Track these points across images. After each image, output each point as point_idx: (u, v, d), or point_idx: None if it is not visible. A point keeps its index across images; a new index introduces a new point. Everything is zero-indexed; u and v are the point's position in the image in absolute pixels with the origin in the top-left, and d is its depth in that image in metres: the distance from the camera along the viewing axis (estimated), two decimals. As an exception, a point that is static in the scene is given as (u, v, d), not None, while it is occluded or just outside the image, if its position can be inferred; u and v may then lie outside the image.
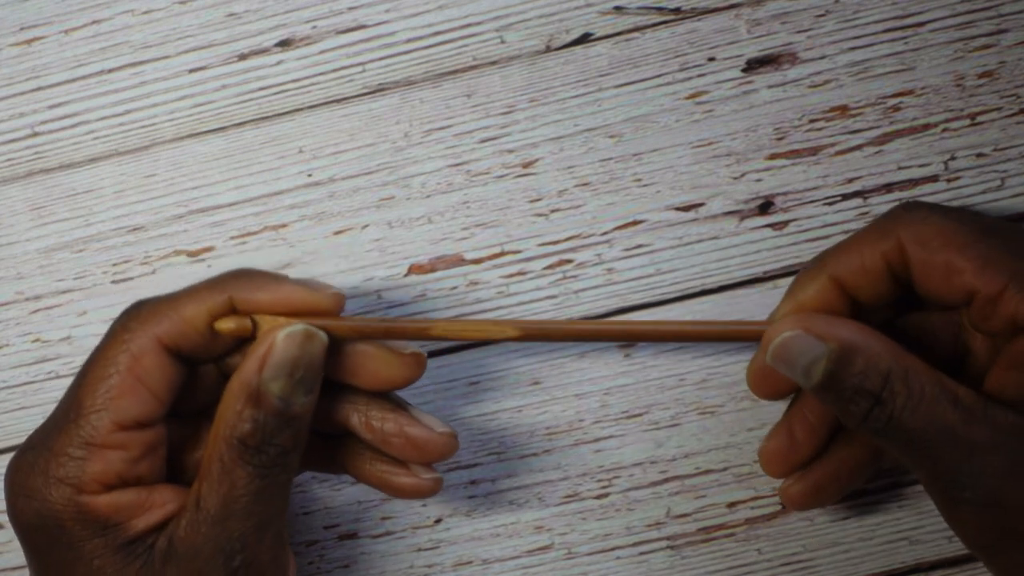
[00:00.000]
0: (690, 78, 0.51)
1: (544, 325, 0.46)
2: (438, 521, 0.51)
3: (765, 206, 0.50)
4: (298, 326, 0.44)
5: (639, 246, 0.51)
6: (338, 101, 0.52)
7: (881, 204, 0.50)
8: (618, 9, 0.51)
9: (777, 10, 0.50)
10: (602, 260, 0.51)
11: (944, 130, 0.50)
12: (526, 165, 0.51)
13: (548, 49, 0.51)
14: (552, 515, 0.51)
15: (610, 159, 0.51)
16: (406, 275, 0.51)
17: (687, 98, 0.51)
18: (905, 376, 0.42)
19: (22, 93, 0.52)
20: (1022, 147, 0.50)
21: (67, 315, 0.52)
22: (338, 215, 0.51)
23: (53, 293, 0.52)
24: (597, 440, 0.51)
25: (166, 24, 0.52)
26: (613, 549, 0.50)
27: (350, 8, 0.52)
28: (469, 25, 0.51)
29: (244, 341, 0.45)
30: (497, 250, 0.51)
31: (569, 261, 0.51)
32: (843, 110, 0.50)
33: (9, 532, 0.52)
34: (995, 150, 0.50)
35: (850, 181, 0.50)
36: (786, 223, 0.50)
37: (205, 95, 0.52)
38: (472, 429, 0.51)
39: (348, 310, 0.50)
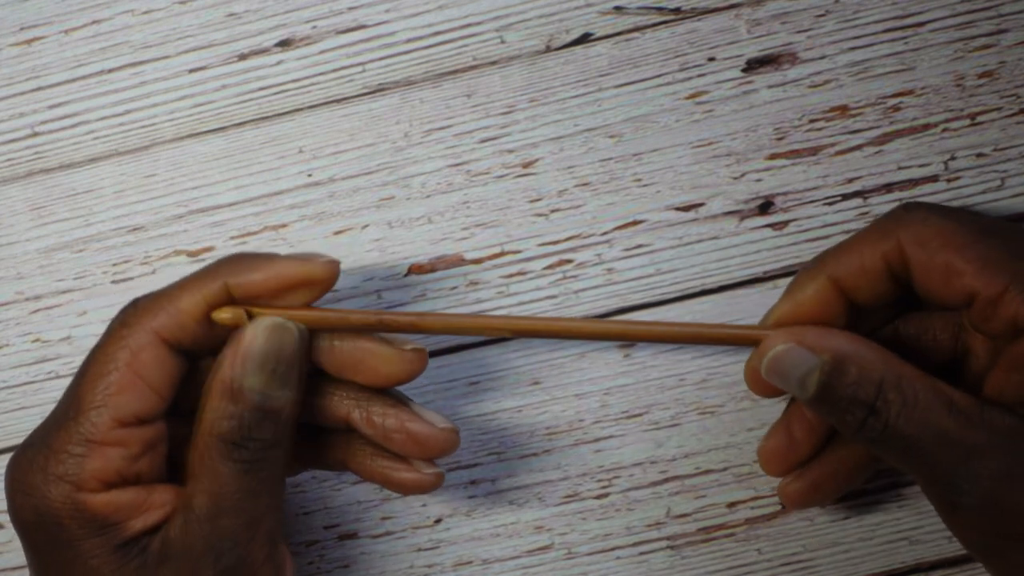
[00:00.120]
0: (690, 78, 0.51)
1: (534, 322, 0.46)
2: (438, 521, 0.51)
3: (765, 206, 0.50)
4: (270, 318, 0.44)
5: (639, 246, 0.51)
6: (338, 101, 0.52)
7: (881, 204, 0.50)
8: (618, 9, 0.51)
9: (777, 10, 0.50)
10: (602, 260, 0.51)
11: (944, 130, 0.50)
12: (526, 165, 0.51)
13: (548, 49, 0.51)
14: (552, 515, 0.51)
15: (610, 159, 0.51)
16: (406, 275, 0.51)
17: (687, 98, 0.51)
18: (898, 384, 0.42)
19: (22, 93, 0.52)
20: (1022, 147, 0.50)
21: (67, 315, 0.52)
22: (338, 215, 0.51)
23: (53, 293, 0.52)
24: (597, 440, 0.51)
25: (166, 24, 0.52)
26: (613, 549, 0.50)
27: (350, 8, 0.52)
28: (469, 25, 0.51)
29: None
30: (497, 250, 0.51)
31: (569, 261, 0.51)
32: (843, 110, 0.50)
33: (9, 532, 0.52)
34: (995, 150, 0.50)
35: (850, 181, 0.50)
36: (786, 223, 0.50)
37: (205, 95, 0.52)
38: (472, 429, 0.51)
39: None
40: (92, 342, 0.46)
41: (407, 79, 0.52)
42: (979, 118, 0.50)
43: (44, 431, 0.44)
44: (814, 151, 0.50)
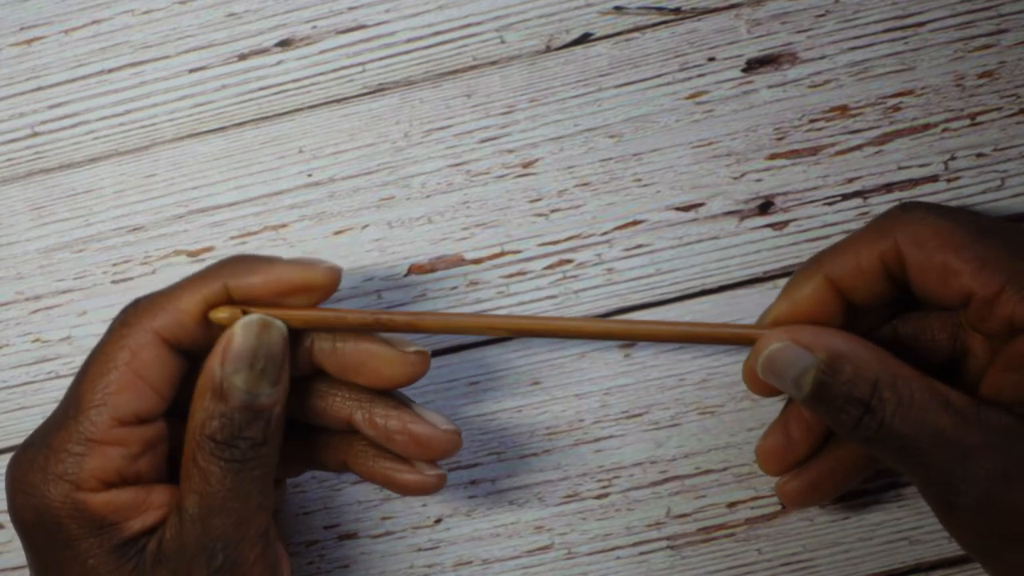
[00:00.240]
0: (690, 78, 0.51)
1: (532, 321, 0.46)
2: (438, 521, 0.51)
3: (765, 206, 0.50)
4: (254, 316, 0.44)
5: (639, 246, 0.51)
6: (338, 101, 0.52)
7: (881, 204, 0.50)
8: (618, 9, 0.51)
9: (777, 10, 0.50)
10: (602, 260, 0.51)
11: (944, 130, 0.50)
12: (526, 165, 0.51)
13: (548, 49, 0.51)
14: (552, 515, 0.51)
15: (610, 159, 0.51)
16: (406, 275, 0.51)
17: (687, 98, 0.51)
18: (894, 383, 0.42)
19: (22, 93, 0.52)
20: (1022, 147, 0.50)
21: (67, 315, 0.52)
22: (338, 215, 0.51)
23: (53, 293, 0.52)
24: (597, 440, 0.51)
25: (166, 24, 0.52)
26: (613, 549, 0.50)
27: (350, 8, 0.52)
28: (469, 25, 0.51)
29: None
30: (497, 250, 0.51)
31: (569, 261, 0.51)
32: (843, 110, 0.50)
33: (9, 532, 0.52)
34: (995, 150, 0.50)
35: (850, 181, 0.50)
36: (786, 223, 0.50)
37: (205, 95, 0.52)
38: (472, 429, 0.51)
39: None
40: (92, 342, 0.46)
41: (407, 79, 0.52)
42: (979, 118, 0.50)
43: (44, 430, 0.44)
44: (814, 151, 0.50)
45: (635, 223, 0.51)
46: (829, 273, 0.45)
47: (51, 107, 0.52)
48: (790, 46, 0.50)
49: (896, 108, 0.50)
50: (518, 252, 0.51)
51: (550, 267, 0.51)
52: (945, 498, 0.42)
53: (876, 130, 0.50)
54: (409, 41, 0.52)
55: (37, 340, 0.52)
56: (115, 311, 0.46)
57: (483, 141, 0.51)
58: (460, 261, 0.51)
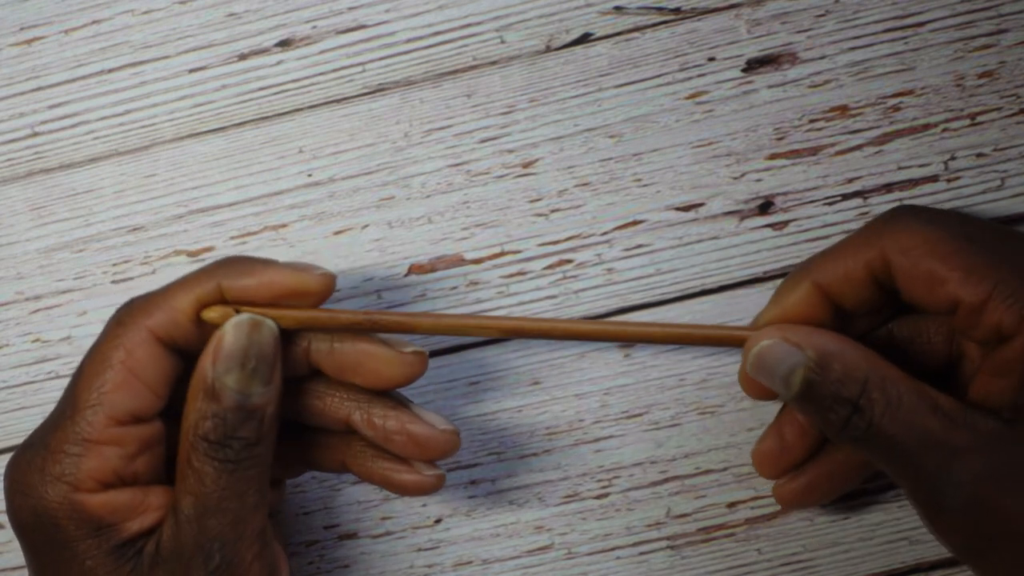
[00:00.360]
0: (690, 78, 0.51)
1: (524, 322, 0.46)
2: (438, 521, 0.51)
3: (765, 206, 0.50)
4: (245, 316, 0.44)
5: (639, 246, 0.51)
6: (338, 101, 0.52)
7: (881, 204, 0.50)
8: (618, 9, 0.51)
9: (777, 10, 0.50)
10: (602, 260, 0.51)
11: (944, 130, 0.50)
12: (526, 165, 0.51)
13: (548, 49, 0.51)
14: (552, 515, 0.51)
15: (610, 159, 0.51)
16: (406, 275, 0.51)
17: (687, 98, 0.51)
18: (883, 384, 0.42)
19: (22, 93, 0.52)
20: (1022, 147, 0.50)
21: (67, 315, 0.52)
22: (338, 215, 0.51)
23: (53, 293, 0.52)
24: (597, 440, 0.51)
25: (166, 24, 0.52)
26: (613, 549, 0.50)
27: (350, 8, 0.52)
28: (469, 25, 0.51)
29: None
30: (497, 250, 0.51)
31: (569, 261, 0.51)
32: (843, 110, 0.50)
33: (9, 532, 0.52)
34: (995, 150, 0.50)
35: (850, 181, 0.50)
36: (786, 223, 0.50)
37: (205, 95, 0.52)
38: (472, 429, 0.51)
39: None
40: (92, 342, 0.46)
41: (407, 79, 0.52)
42: (979, 118, 0.50)
43: (42, 431, 0.44)
44: (814, 151, 0.50)
45: (635, 223, 0.51)
46: (817, 279, 0.45)
47: (51, 107, 0.52)
48: (790, 46, 0.50)
49: (896, 108, 0.50)
50: (518, 252, 0.51)
51: (550, 267, 0.51)
52: (932, 501, 0.42)
53: (876, 130, 0.50)
54: (409, 41, 0.52)
55: (37, 340, 0.52)
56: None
57: (483, 141, 0.51)
58: (460, 261, 0.51)
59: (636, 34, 0.51)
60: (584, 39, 0.51)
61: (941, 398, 0.42)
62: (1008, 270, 0.42)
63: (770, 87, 0.50)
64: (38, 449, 0.44)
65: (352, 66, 0.52)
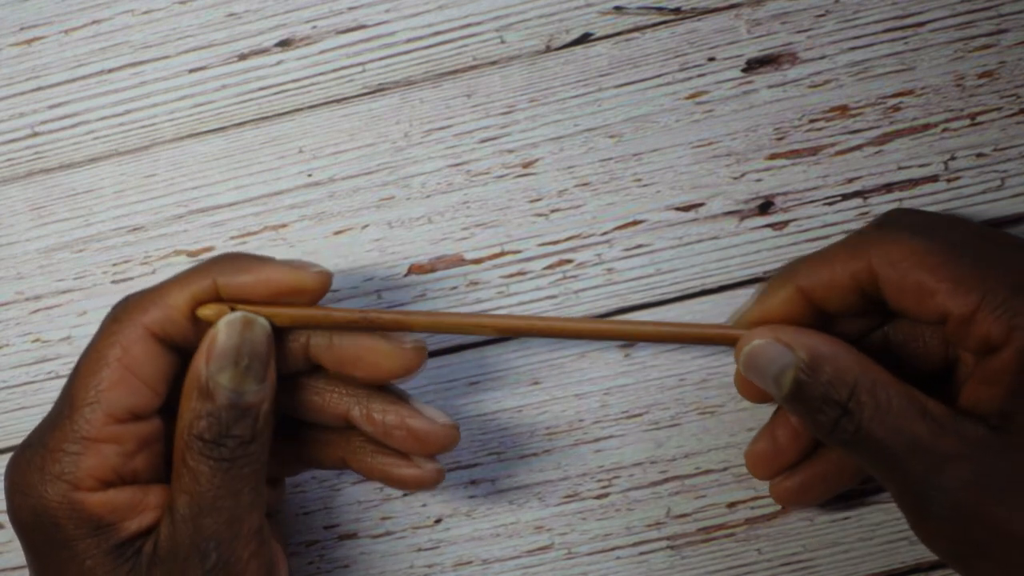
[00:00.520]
0: (690, 78, 0.51)
1: (520, 321, 0.46)
2: (438, 521, 0.51)
3: (765, 206, 0.50)
4: (238, 314, 0.44)
5: (639, 246, 0.51)
6: (338, 101, 0.52)
7: (881, 204, 0.50)
8: (618, 9, 0.51)
9: (777, 10, 0.50)
10: (602, 260, 0.51)
11: (944, 130, 0.50)
12: (526, 165, 0.51)
13: (548, 49, 0.51)
14: (552, 515, 0.51)
15: (610, 159, 0.51)
16: (406, 275, 0.51)
17: (687, 98, 0.51)
18: (872, 387, 0.42)
19: (22, 93, 0.52)
20: (1022, 147, 0.50)
21: (67, 315, 0.52)
22: (338, 215, 0.51)
23: (53, 293, 0.52)
24: (597, 440, 0.51)
25: (166, 24, 0.52)
26: (613, 549, 0.50)
27: (350, 8, 0.52)
28: (469, 25, 0.51)
29: None
30: (497, 250, 0.51)
31: (569, 261, 0.51)
32: (843, 110, 0.50)
33: (9, 532, 0.52)
34: (995, 150, 0.50)
35: (850, 181, 0.50)
36: (786, 223, 0.50)
37: (205, 95, 0.52)
38: (472, 429, 0.51)
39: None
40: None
41: (407, 79, 0.52)
42: (979, 118, 0.50)
43: (40, 431, 0.44)
44: (814, 151, 0.50)
45: (635, 223, 0.51)
46: (802, 284, 0.45)
47: (51, 107, 0.52)
48: (790, 46, 0.50)
49: (896, 108, 0.50)
50: (518, 252, 0.51)
51: (550, 267, 0.51)
52: (919, 506, 0.42)
53: (876, 130, 0.50)
54: (409, 41, 0.52)
55: (37, 340, 0.52)
56: (115, 311, 0.46)
57: (483, 141, 0.51)
58: (460, 261, 0.51)
59: (636, 34, 0.51)
60: (584, 39, 0.51)
61: (930, 403, 0.42)
62: (996, 280, 0.42)
63: (770, 87, 0.50)
64: (37, 449, 0.44)
65: (352, 66, 0.52)
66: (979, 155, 0.50)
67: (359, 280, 0.51)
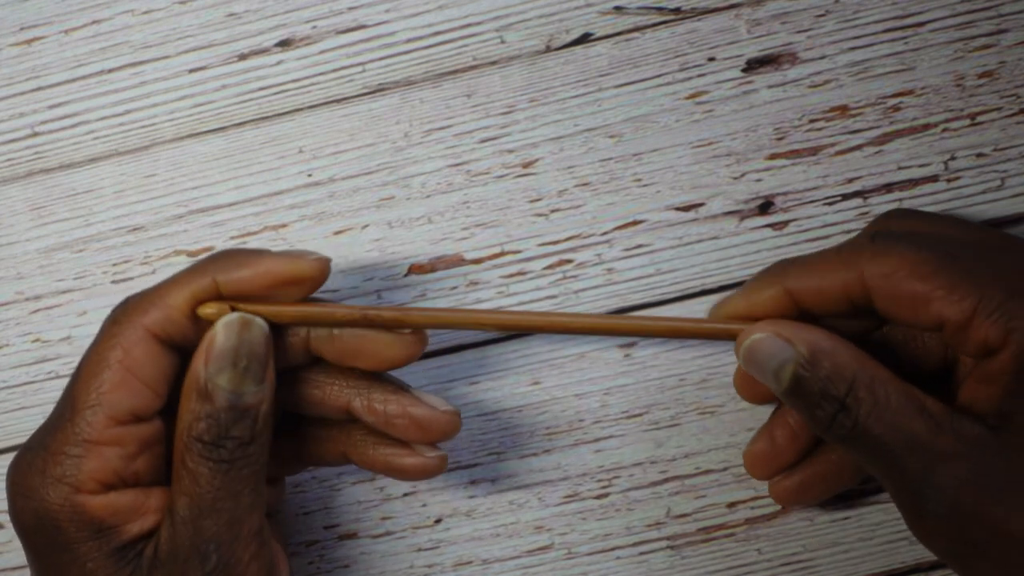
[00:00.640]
0: (690, 78, 0.51)
1: (518, 316, 0.46)
2: (438, 521, 0.51)
3: (765, 206, 0.50)
4: (234, 315, 0.44)
5: (639, 246, 0.51)
6: (338, 101, 0.52)
7: (881, 204, 0.50)
8: (618, 9, 0.51)
9: (777, 10, 0.50)
10: (602, 260, 0.51)
11: (944, 130, 0.50)
12: (526, 165, 0.51)
13: (548, 49, 0.51)
14: (552, 515, 0.51)
15: (610, 159, 0.51)
16: (406, 275, 0.51)
17: (687, 98, 0.51)
18: (871, 383, 0.42)
19: (22, 93, 0.52)
20: (1022, 147, 0.50)
21: (67, 315, 0.52)
22: (338, 215, 0.51)
23: (53, 293, 0.52)
24: (597, 440, 0.51)
25: (166, 24, 0.52)
26: (613, 549, 0.50)
27: (350, 8, 0.52)
28: (469, 25, 0.51)
29: None
30: (497, 250, 0.51)
31: (569, 261, 0.51)
32: (843, 110, 0.50)
33: (9, 532, 0.52)
34: (995, 150, 0.50)
35: (850, 181, 0.50)
36: (786, 223, 0.50)
37: (205, 95, 0.52)
38: (472, 429, 0.51)
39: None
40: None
41: (407, 79, 0.52)
42: (979, 118, 0.50)
43: (42, 433, 0.44)
44: (814, 151, 0.50)
45: (635, 223, 0.51)
46: (791, 287, 0.45)
47: (51, 107, 0.52)
48: (790, 46, 0.50)
49: (896, 108, 0.50)
50: (518, 252, 0.51)
51: (550, 267, 0.51)
52: (916, 504, 0.42)
53: (876, 130, 0.50)
54: (409, 41, 0.52)
55: (37, 340, 0.52)
56: (115, 311, 0.46)
57: (483, 141, 0.51)
58: (460, 261, 0.51)
59: (636, 34, 0.51)
60: (584, 39, 0.51)
61: (929, 401, 0.42)
62: (990, 285, 0.42)
63: (770, 87, 0.50)
64: (38, 451, 0.44)
65: (352, 66, 0.52)
66: (979, 155, 0.50)
67: (359, 280, 0.51)
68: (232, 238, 0.52)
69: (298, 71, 0.52)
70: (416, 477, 0.47)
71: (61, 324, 0.52)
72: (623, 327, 0.46)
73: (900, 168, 0.50)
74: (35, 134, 0.52)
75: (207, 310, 0.44)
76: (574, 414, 0.51)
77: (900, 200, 0.50)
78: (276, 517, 0.50)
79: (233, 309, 0.45)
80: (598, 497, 0.51)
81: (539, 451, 0.51)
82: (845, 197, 0.50)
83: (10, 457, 0.51)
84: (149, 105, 0.52)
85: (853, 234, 0.49)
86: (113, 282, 0.52)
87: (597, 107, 0.51)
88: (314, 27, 0.52)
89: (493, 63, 0.51)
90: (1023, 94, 0.50)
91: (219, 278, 0.44)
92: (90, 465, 0.43)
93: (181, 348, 0.45)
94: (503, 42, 0.51)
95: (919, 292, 0.43)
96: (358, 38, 0.52)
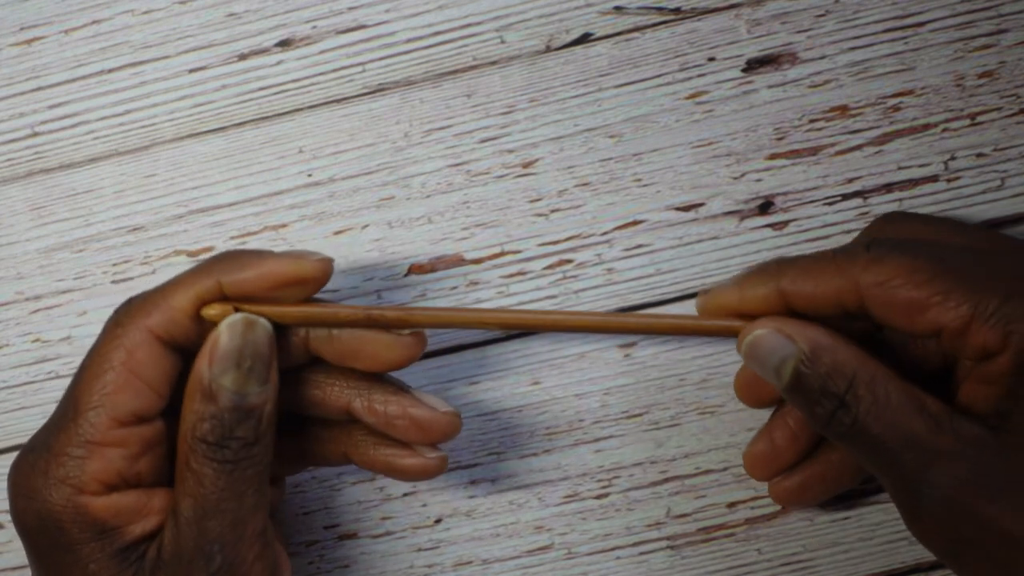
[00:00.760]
0: (690, 78, 0.51)
1: (521, 315, 0.46)
2: (438, 521, 0.51)
3: (765, 206, 0.50)
4: (237, 316, 0.44)
5: (639, 246, 0.51)
6: (338, 101, 0.52)
7: (881, 204, 0.50)
8: (618, 9, 0.51)
9: (777, 10, 0.50)
10: (602, 260, 0.51)
11: (944, 130, 0.50)
12: (526, 165, 0.51)
13: (548, 49, 0.51)
14: (552, 515, 0.51)
15: (610, 159, 0.51)
16: (406, 275, 0.51)
17: (687, 98, 0.51)
18: (871, 381, 0.42)
19: (22, 93, 0.52)
20: (1022, 147, 0.50)
21: (67, 315, 0.52)
22: (338, 215, 0.51)
23: (53, 293, 0.52)
24: (597, 440, 0.51)
25: (166, 24, 0.52)
26: (613, 549, 0.50)
27: (350, 8, 0.52)
28: (469, 25, 0.51)
29: None
30: (497, 250, 0.51)
31: (569, 261, 0.51)
32: (843, 110, 0.50)
33: (9, 532, 0.52)
34: (995, 150, 0.50)
35: (850, 181, 0.50)
36: (786, 223, 0.50)
37: (205, 95, 0.52)
38: (472, 429, 0.51)
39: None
40: (92, 342, 0.46)
41: (407, 79, 0.52)
42: (979, 118, 0.50)
43: (44, 434, 0.44)
44: (814, 151, 0.50)
45: (635, 223, 0.51)
46: (785, 288, 0.45)
47: (51, 107, 0.52)
48: (790, 46, 0.50)
49: (896, 108, 0.50)
50: (518, 252, 0.51)
51: (550, 267, 0.51)
52: (913, 503, 0.42)
53: (876, 130, 0.50)
54: (409, 41, 0.52)
55: (37, 340, 0.52)
56: (115, 312, 0.46)
57: (483, 141, 0.51)
58: (460, 261, 0.51)
59: (636, 34, 0.51)
60: (584, 39, 0.51)
61: (929, 400, 0.42)
62: (987, 289, 0.42)
63: (770, 87, 0.50)
64: (41, 452, 0.44)
65: (352, 66, 0.52)
66: (979, 155, 0.50)
67: (359, 280, 0.51)
68: (232, 238, 0.52)
69: (298, 71, 0.52)
70: (416, 478, 0.47)
71: (61, 324, 0.52)
72: (625, 325, 0.46)
73: (900, 168, 0.50)
74: (35, 134, 0.52)
75: (211, 311, 0.44)
76: (574, 414, 0.51)
77: (900, 200, 0.50)
78: (276, 517, 0.50)
79: (237, 310, 0.45)
80: (598, 497, 0.51)
81: (539, 451, 0.51)
82: (845, 197, 0.50)
83: (10, 457, 0.51)
84: (149, 105, 0.52)
85: (853, 234, 0.49)
86: (113, 282, 0.52)
87: (597, 107, 0.51)
88: (314, 27, 0.52)
89: (493, 63, 0.51)
90: (1023, 94, 0.50)
91: (223, 279, 0.44)
92: (93, 466, 0.43)
93: (184, 349, 0.45)
94: (503, 42, 0.51)
95: (915, 300, 0.43)
96: (358, 38, 0.52)
